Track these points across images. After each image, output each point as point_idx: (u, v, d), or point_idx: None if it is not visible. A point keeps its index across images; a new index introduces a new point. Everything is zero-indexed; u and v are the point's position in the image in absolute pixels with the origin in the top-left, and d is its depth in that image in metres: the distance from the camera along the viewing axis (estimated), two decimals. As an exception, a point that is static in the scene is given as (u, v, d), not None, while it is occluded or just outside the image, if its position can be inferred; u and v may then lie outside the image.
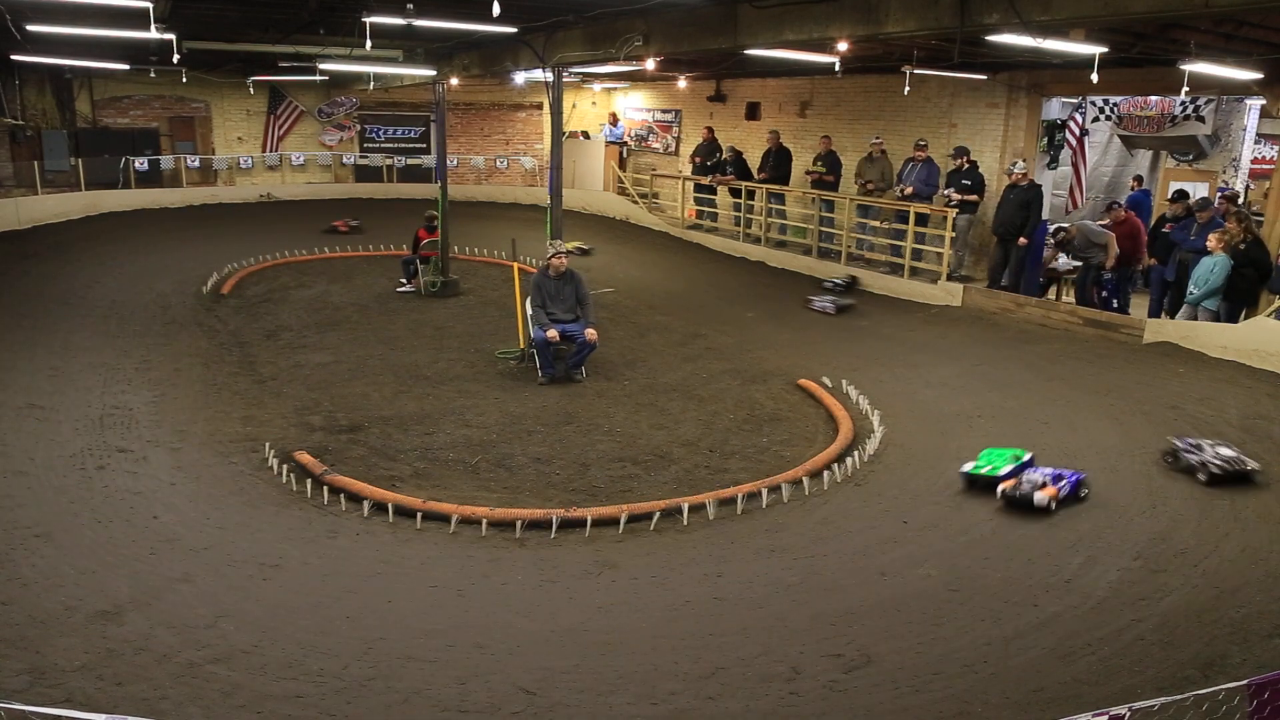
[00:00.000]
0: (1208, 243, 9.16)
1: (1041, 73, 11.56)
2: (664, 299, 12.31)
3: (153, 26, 7.36)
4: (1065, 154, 14.23)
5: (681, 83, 16.69)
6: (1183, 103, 13.11)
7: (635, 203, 18.04)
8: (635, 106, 19.84)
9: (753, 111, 16.52)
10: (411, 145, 20.63)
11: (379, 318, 11.13)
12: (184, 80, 16.37)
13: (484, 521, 5.79)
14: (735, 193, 15.45)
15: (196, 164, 18.91)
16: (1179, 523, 5.69)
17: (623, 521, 5.84)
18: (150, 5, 7.13)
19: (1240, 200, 11.60)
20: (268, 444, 6.94)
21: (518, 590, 5.04)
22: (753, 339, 10.37)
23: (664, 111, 19.08)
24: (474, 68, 12.32)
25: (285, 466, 6.58)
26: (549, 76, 10.23)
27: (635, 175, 18.97)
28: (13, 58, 14.53)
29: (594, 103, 20.53)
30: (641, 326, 10.86)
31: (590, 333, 8.78)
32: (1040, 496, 5.92)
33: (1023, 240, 11.17)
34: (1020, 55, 9.46)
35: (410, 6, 8.06)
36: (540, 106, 20.25)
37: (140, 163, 17.99)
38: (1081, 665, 4.23)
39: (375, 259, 14.45)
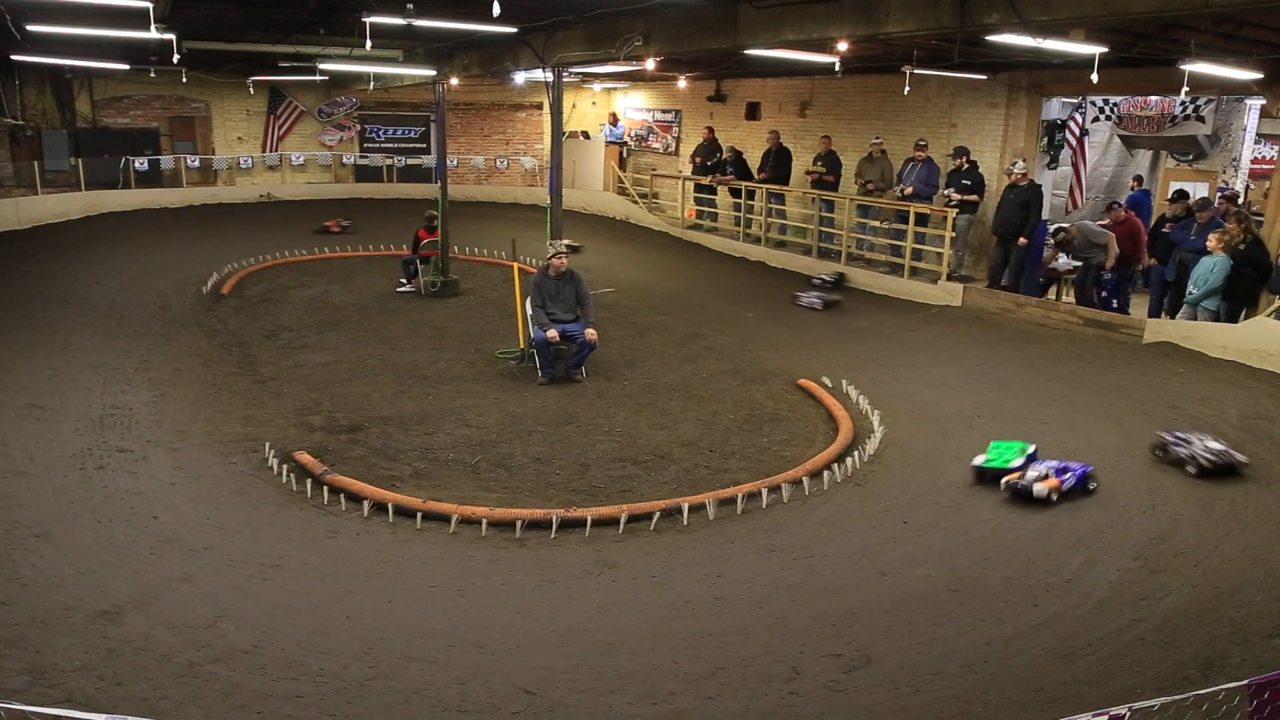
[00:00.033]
0: (1207, 243, 9.16)
1: (1041, 73, 11.56)
2: (664, 299, 12.31)
3: (153, 26, 7.36)
4: (1065, 154, 14.23)
5: (681, 83, 16.69)
6: (1183, 103, 13.11)
7: (635, 203, 18.04)
8: (635, 106, 19.84)
9: (753, 111, 16.52)
10: (411, 145, 20.64)
11: (379, 318, 11.13)
12: (184, 80, 16.38)
13: (484, 521, 5.79)
14: (735, 193, 15.45)
15: (196, 164, 18.92)
16: (1179, 523, 5.69)
17: (623, 521, 5.84)
18: (150, 5, 7.13)
19: (1240, 200, 11.60)
20: (268, 444, 6.94)
21: (518, 590, 5.04)
22: (753, 339, 10.36)
23: (664, 111, 19.08)
24: (474, 68, 12.32)
25: (285, 466, 6.58)
26: (549, 76, 10.23)
27: (635, 175, 18.97)
28: (13, 58, 14.53)
29: (594, 103, 20.53)
30: (641, 326, 10.86)
31: (590, 333, 8.78)
32: (1040, 488, 5.97)
33: (1023, 240, 11.17)
34: (1020, 55, 9.46)
35: (410, 6, 8.06)
36: (540, 106, 20.25)
37: (140, 163, 18.00)
38: (1081, 665, 4.23)
39: (375, 259, 14.45)
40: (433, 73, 12.83)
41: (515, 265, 10.09)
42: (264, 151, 19.79)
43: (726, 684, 4.11)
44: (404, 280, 12.59)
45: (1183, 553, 5.30)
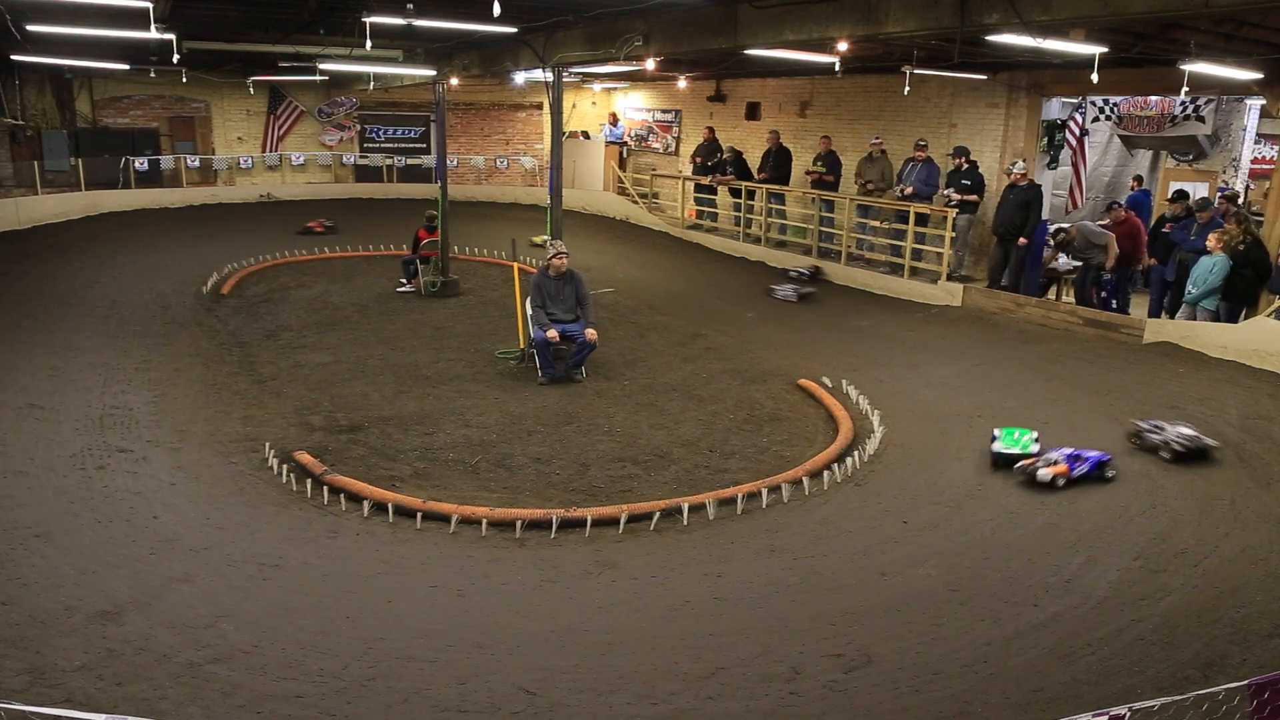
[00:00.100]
0: (1207, 243, 9.16)
1: (1041, 73, 11.56)
2: (664, 299, 12.31)
3: (153, 26, 7.36)
4: (1065, 154, 14.23)
5: (681, 83, 16.69)
6: (1183, 103, 13.11)
7: (635, 203, 18.04)
8: (635, 106, 19.84)
9: (753, 111, 16.52)
10: (411, 145, 20.64)
11: (379, 318, 11.13)
12: (184, 80, 16.39)
13: (484, 521, 5.79)
14: (735, 193, 15.45)
15: (196, 164, 18.93)
16: (1179, 523, 5.69)
17: (623, 521, 5.84)
18: (150, 5, 7.13)
19: (1240, 200, 11.60)
20: (268, 444, 6.94)
21: (518, 590, 5.04)
22: (753, 339, 10.36)
23: (664, 111, 19.08)
24: (474, 68, 12.32)
25: (285, 466, 6.58)
26: (549, 76, 10.23)
27: (635, 175, 18.97)
28: (13, 58, 14.53)
29: (594, 103, 20.53)
30: (641, 326, 10.86)
31: (590, 333, 8.78)
32: (1044, 473, 6.15)
33: (1023, 240, 11.17)
34: (1020, 55, 9.46)
35: (410, 6, 8.06)
36: (540, 106, 20.25)
37: (140, 163, 18.00)
38: (1081, 665, 4.23)
39: (375, 259, 14.46)
40: (433, 73, 12.83)
41: (515, 265, 10.09)
42: (264, 151, 19.79)
43: (726, 684, 4.11)
44: (404, 280, 12.59)
45: (1183, 553, 5.30)
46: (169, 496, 6.04)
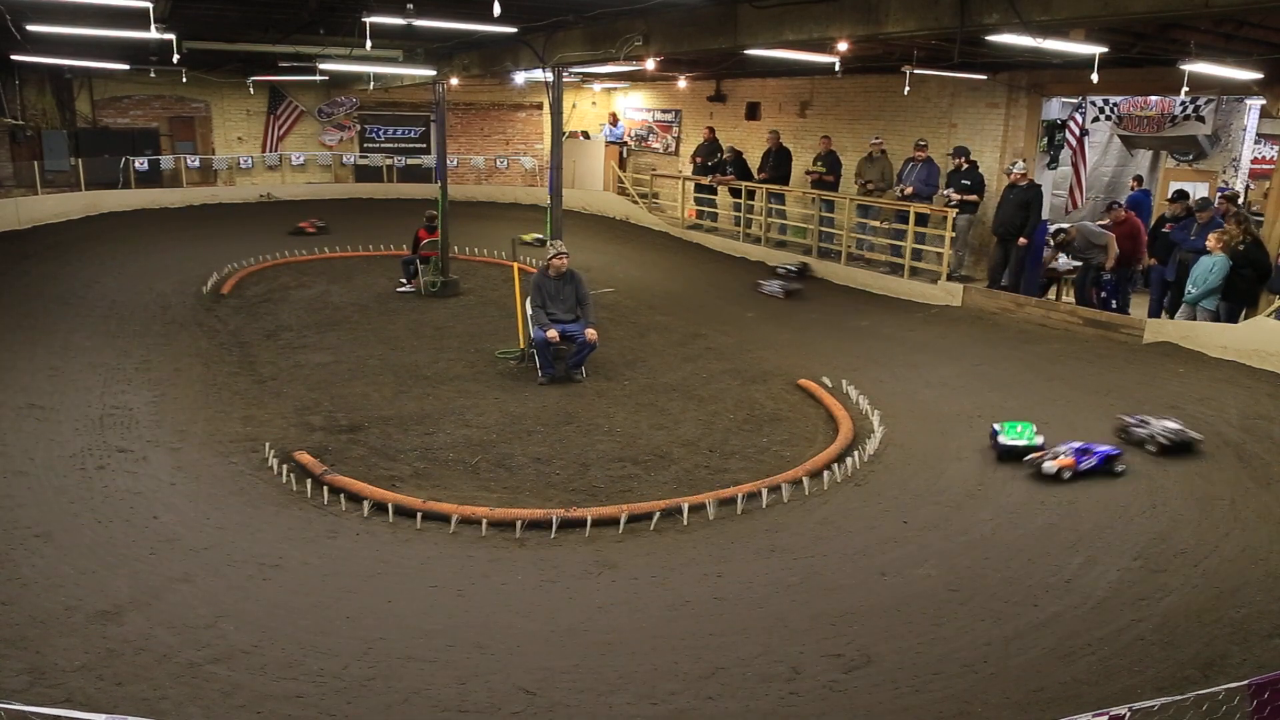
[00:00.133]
0: (1207, 243, 9.16)
1: (1041, 73, 11.56)
2: (664, 299, 12.31)
3: (153, 26, 7.36)
4: (1065, 154, 14.23)
5: (681, 83, 16.69)
6: (1183, 103, 13.11)
7: (635, 203, 18.04)
8: (635, 106, 19.84)
9: (753, 111, 16.52)
10: (411, 145, 20.64)
11: (379, 318, 11.13)
12: (184, 80, 16.38)
13: (484, 521, 5.79)
14: (735, 193, 15.45)
15: (196, 164, 18.92)
16: (1179, 523, 5.69)
17: (623, 521, 5.84)
18: (150, 5, 7.13)
19: (1240, 200, 11.60)
20: (268, 444, 6.94)
21: (518, 590, 5.04)
22: (753, 339, 10.36)
23: (664, 111, 19.08)
24: (474, 68, 12.32)
25: (285, 466, 6.58)
26: (549, 76, 10.23)
27: (635, 175, 18.97)
28: (13, 58, 14.53)
29: (594, 103, 20.53)
30: (641, 326, 10.86)
31: (590, 333, 8.78)
32: (1049, 465, 6.26)
33: (1023, 240, 11.17)
34: (1020, 55, 9.46)
35: (410, 6, 8.05)
36: (540, 106, 20.25)
37: (140, 163, 18.00)
38: (1081, 665, 4.23)
39: (375, 259, 14.46)
40: (433, 73, 12.83)
41: (515, 265, 10.09)
42: (264, 151, 19.79)
43: (726, 684, 4.11)
44: (404, 280, 12.59)
45: (1183, 553, 5.30)
46: (169, 496, 6.04)
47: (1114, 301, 10.48)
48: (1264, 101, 10.55)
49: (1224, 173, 13.65)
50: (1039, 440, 6.71)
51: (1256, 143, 13.96)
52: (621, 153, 19.68)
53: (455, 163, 19.73)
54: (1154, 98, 13.34)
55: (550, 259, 8.95)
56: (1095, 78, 7.20)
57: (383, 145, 20.55)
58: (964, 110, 12.74)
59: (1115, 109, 14.16)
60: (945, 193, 12.15)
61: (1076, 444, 6.46)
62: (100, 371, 8.59)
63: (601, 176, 19.33)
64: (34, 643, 4.19)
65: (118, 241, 14.98)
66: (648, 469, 6.80)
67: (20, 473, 6.22)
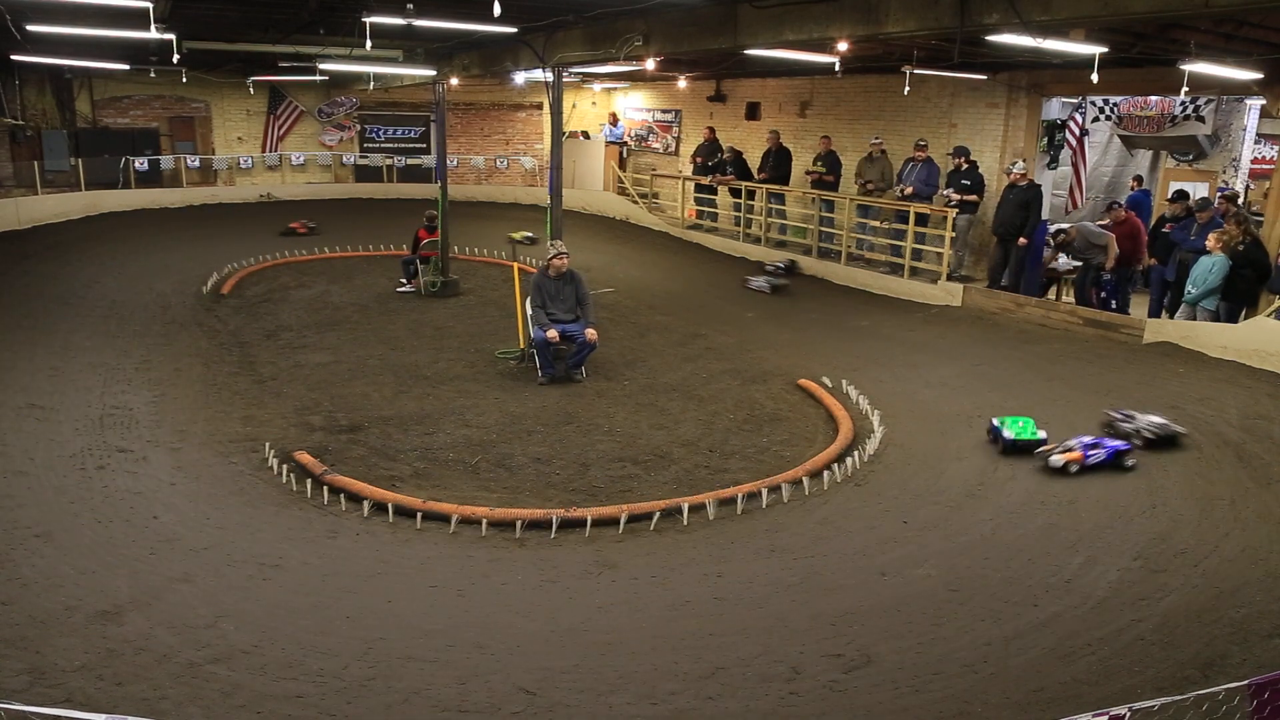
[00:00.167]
0: (1206, 243, 9.16)
1: (1041, 73, 11.56)
2: (664, 299, 12.31)
3: (153, 26, 7.36)
4: (1065, 154, 14.23)
5: (681, 83, 16.69)
6: (1183, 103, 13.11)
7: (635, 203, 18.04)
8: (635, 106, 19.84)
9: (753, 111, 16.52)
10: (411, 145, 20.64)
11: (379, 318, 11.13)
12: (184, 80, 16.38)
13: (484, 521, 5.79)
14: (735, 193, 15.45)
15: (196, 164, 18.92)
16: (1179, 523, 5.69)
17: (623, 521, 5.84)
18: (150, 5, 7.13)
19: (1240, 200, 11.61)
20: (268, 444, 6.94)
21: (518, 590, 5.04)
22: (753, 339, 10.36)
23: (664, 111, 19.08)
24: (474, 68, 12.32)
25: (285, 466, 6.58)
26: (549, 76, 10.23)
27: (635, 175, 18.97)
28: (13, 58, 14.53)
29: (594, 103, 20.53)
30: (641, 326, 10.86)
31: (590, 333, 8.78)
32: (1056, 459, 6.38)
33: (1022, 240, 11.17)
34: (1020, 55, 9.46)
35: (410, 6, 8.05)
36: (540, 106, 20.25)
37: (140, 163, 18.00)
38: (1081, 665, 4.23)
39: (375, 259, 14.46)
40: (433, 73, 12.83)
41: (515, 265, 10.10)
42: (264, 151, 19.79)
43: (726, 684, 4.11)
44: (404, 280, 12.59)
45: (1183, 553, 5.30)
46: (169, 496, 6.04)
47: (1114, 301, 10.48)
48: (1264, 101, 10.55)
49: (1224, 173, 13.65)
50: (1042, 434, 6.83)
51: (1256, 143, 13.96)
52: (621, 153, 19.68)
53: (455, 163, 19.73)
54: (1154, 98, 13.35)
55: (550, 259, 8.95)
56: (1095, 78, 7.20)
57: (383, 145, 20.55)
58: (964, 110, 12.73)
59: (1115, 109, 14.16)
60: (945, 193, 12.15)
61: (1087, 438, 6.55)
62: (100, 371, 8.59)
63: (601, 176, 19.33)
64: (34, 643, 4.19)
65: (118, 241, 14.98)
66: (648, 469, 6.80)
67: (20, 473, 6.22)
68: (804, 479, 6.48)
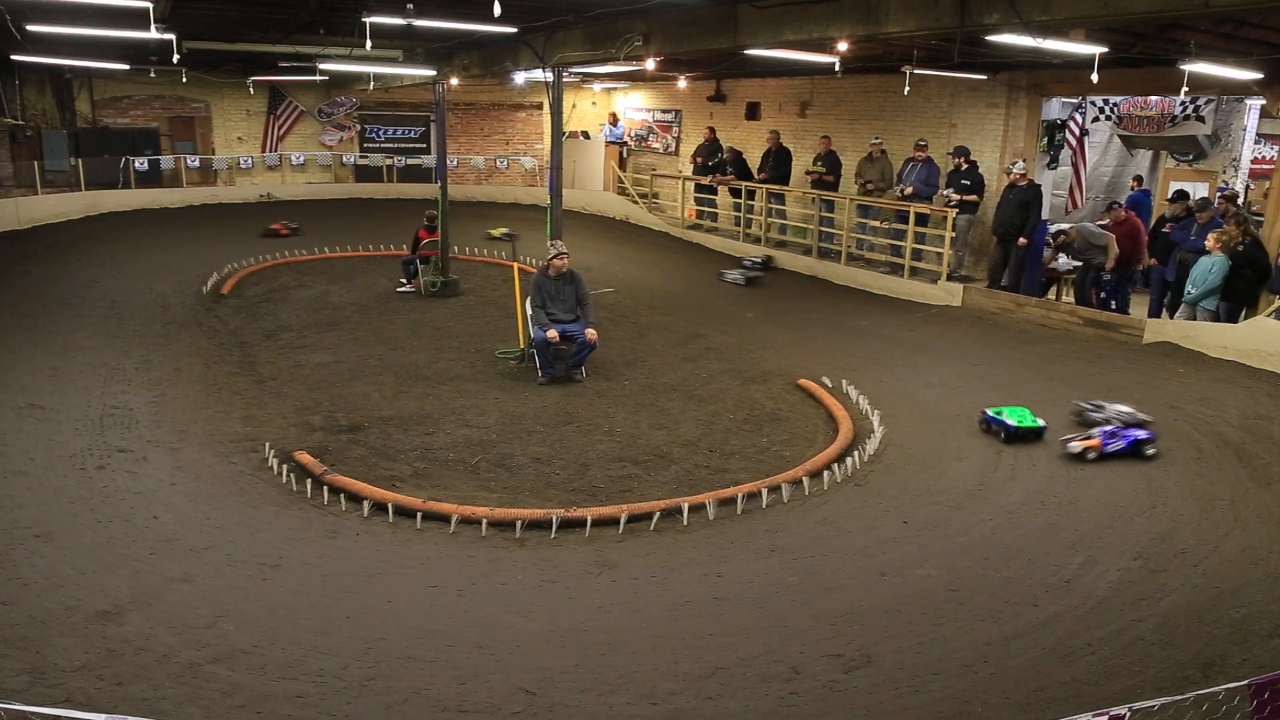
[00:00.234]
0: (1206, 243, 9.17)
1: (1041, 73, 11.56)
2: (664, 299, 12.31)
3: (153, 26, 7.36)
4: (1065, 154, 14.23)
5: (681, 83, 16.69)
6: (1183, 103, 13.11)
7: (635, 203, 18.04)
8: (635, 106, 19.84)
9: (753, 111, 16.52)
10: (411, 145, 20.64)
11: (379, 318, 11.13)
12: (184, 80, 16.39)
13: (484, 521, 5.79)
14: (735, 193, 15.45)
15: (196, 164, 18.93)
16: (1179, 523, 5.69)
17: (623, 521, 5.84)
18: (150, 5, 7.13)
19: (1240, 200, 11.61)
20: (268, 444, 6.94)
21: (518, 590, 5.04)
22: (753, 339, 10.36)
23: (664, 111, 19.08)
24: (474, 68, 12.32)
25: (285, 466, 6.57)
26: (549, 76, 10.23)
27: (635, 175, 18.97)
28: (13, 58, 14.53)
29: (594, 103, 20.53)
30: (641, 326, 10.86)
31: (590, 333, 8.78)
32: (1074, 445, 6.56)
33: (1022, 240, 11.17)
34: (1020, 55, 9.46)
35: (410, 6, 8.05)
36: (540, 106, 20.25)
37: (140, 163, 18.01)
38: (1081, 665, 4.23)
39: (375, 259, 14.46)
40: (433, 73, 12.83)
41: (515, 265, 10.10)
42: (264, 151, 19.79)
43: (726, 684, 4.11)
44: (404, 280, 12.59)
45: (1183, 553, 5.31)
46: (169, 496, 6.04)
47: (1114, 301, 10.48)
48: (1264, 101, 10.55)
49: (1224, 173, 13.66)
50: (1041, 423, 7.04)
51: (1256, 143, 13.97)
52: (621, 153, 19.68)
53: (455, 163, 19.73)
54: (1154, 98, 13.35)
55: (550, 259, 8.95)
56: (1095, 78, 7.19)
57: (383, 145, 20.55)
58: (964, 110, 12.73)
59: (1115, 109, 14.16)
60: (945, 193, 12.15)
61: (1107, 426, 6.62)
62: (100, 371, 8.59)
63: (601, 176, 19.33)
64: (34, 643, 4.19)
65: (118, 241, 14.98)
66: (648, 469, 6.80)
67: (20, 473, 6.22)
68: (804, 479, 6.48)
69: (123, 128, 18.32)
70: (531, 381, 8.70)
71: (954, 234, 11.84)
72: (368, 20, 8.19)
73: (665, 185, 18.26)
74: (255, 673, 4.07)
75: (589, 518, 5.84)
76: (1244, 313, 9.27)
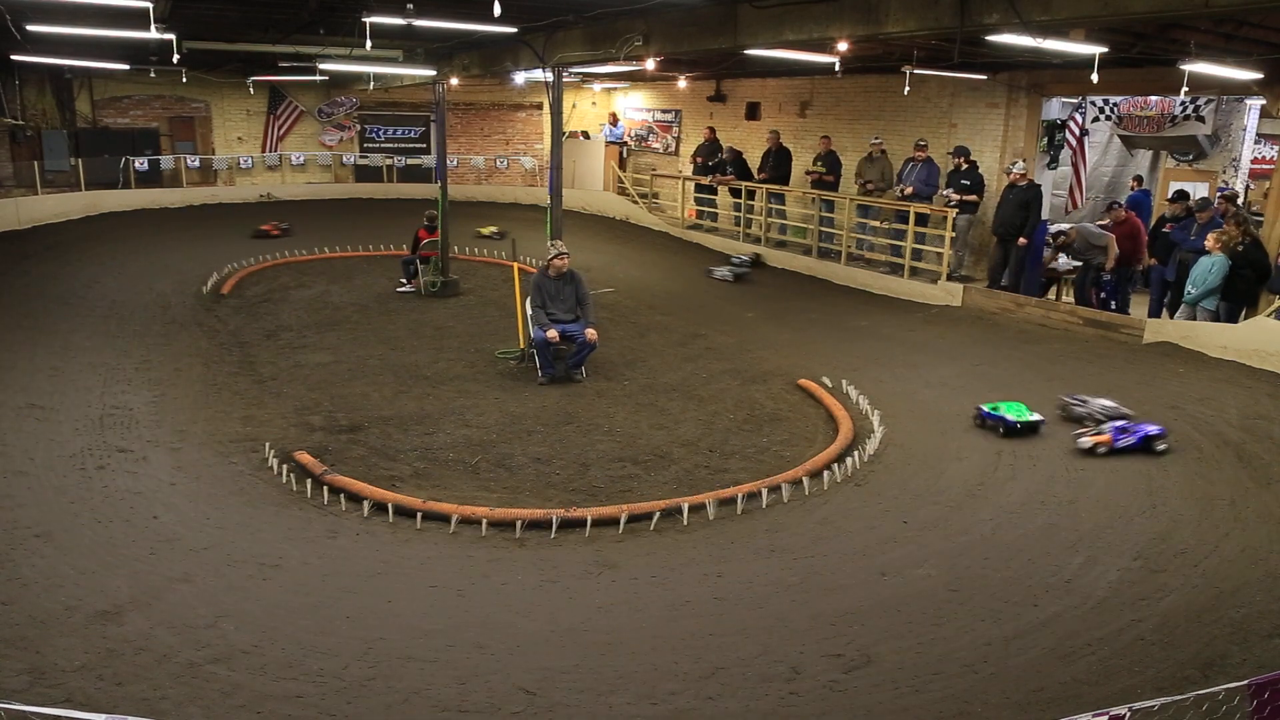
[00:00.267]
0: (1205, 243, 9.17)
1: (1041, 73, 11.56)
2: (664, 299, 12.31)
3: (153, 26, 7.36)
4: (1065, 154, 14.23)
5: (681, 83, 16.69)
6: (1183, 103, 13.12)
7: (635, 203, 18.04)
8: (635, 106, 19.84)
9: (753, 111, 16.52)
10: (411, 145, 20.64)
11: (379, 318, 11.13)
12: (184, 80, 16.39)
13: (484, 521, 5.79)
14: (735, 193, 15.45)
15: (196, 164, 18.93)
16: (1179, 523, 5.69)
17: (623, 521, 5.84)
18: (150, 5, 7.13)
19: (1240, 200, 11.61)
20: (268, 444, 6.94)
21: (518, 590, 5.03)
22: (753, 339, 10.36)
23: (664, 111, 19.08)
24: (474, 68, 12.32)
25: (285, 466, 6.57)
26: (549, 76, 10.23)
27: (635, 175, 18.97)
28: (13, 58, 14.53)
29: (594, 103, 20.53)
30: (641, 326, 10.86)
31: (590, 333, 8.78)
32: (1086, 440, 6.64)
33: (1022, 240, 11.17)
34: (1020, 55, 9.46)
35: (410, 6, 8.05)
36: (540, 106, 20.25)
37: (140, 163, 18.00)
38: (1081, 665, 4.23)
39: (375, 259, 14.46)
40: (433, 73, 12.83)
41: (515, 265, 10.10)
42: (264, 151, 19.79)
43: (726, 684, 4.11)
44: (404, 280, 12.59)
45: (1183, 553, 5.30)
46: (169, 496, 6.04)
47: (1114, 301, 10.48)
48: (1264, 101, 10.56)
49: (1224, 173, 13.66)
50: (1038, 416, 7.21)
51: (1256, 143, 13.97)
52: (621, 153, 19.68)
53: (455, 163, 19.73)
54: (1154, 98, 13.35)
55: (550, 259, 8.95)
56: (1095, 78, 7.20)
57: (383, 145, 20.55)
58: (964, 110, 12.74)
59: (1115, 109, 14.16)
60: (945, 193, 12.15)
61: (1118, 421, 6.65)
62: (100, 371, 8.59)
63: (601, 176, 19.33)
64: (34, 643, 4.18)
65: (118, 241, 14.98)
66: (648, 469, 6.80)
67: (20, 473, 6.22)
68: (804, 479, 6.48)
69: (123, 128, 18.32)
70: (531, 381, 8.70)
71: (954, 234, 11.85)
72: (368, 20, 8.19)
73: (665, 185, 18.26)
74: (255, 673, 4.07)
75: (589, 518, 5.84)
76: (1244, 313, 9.27)
